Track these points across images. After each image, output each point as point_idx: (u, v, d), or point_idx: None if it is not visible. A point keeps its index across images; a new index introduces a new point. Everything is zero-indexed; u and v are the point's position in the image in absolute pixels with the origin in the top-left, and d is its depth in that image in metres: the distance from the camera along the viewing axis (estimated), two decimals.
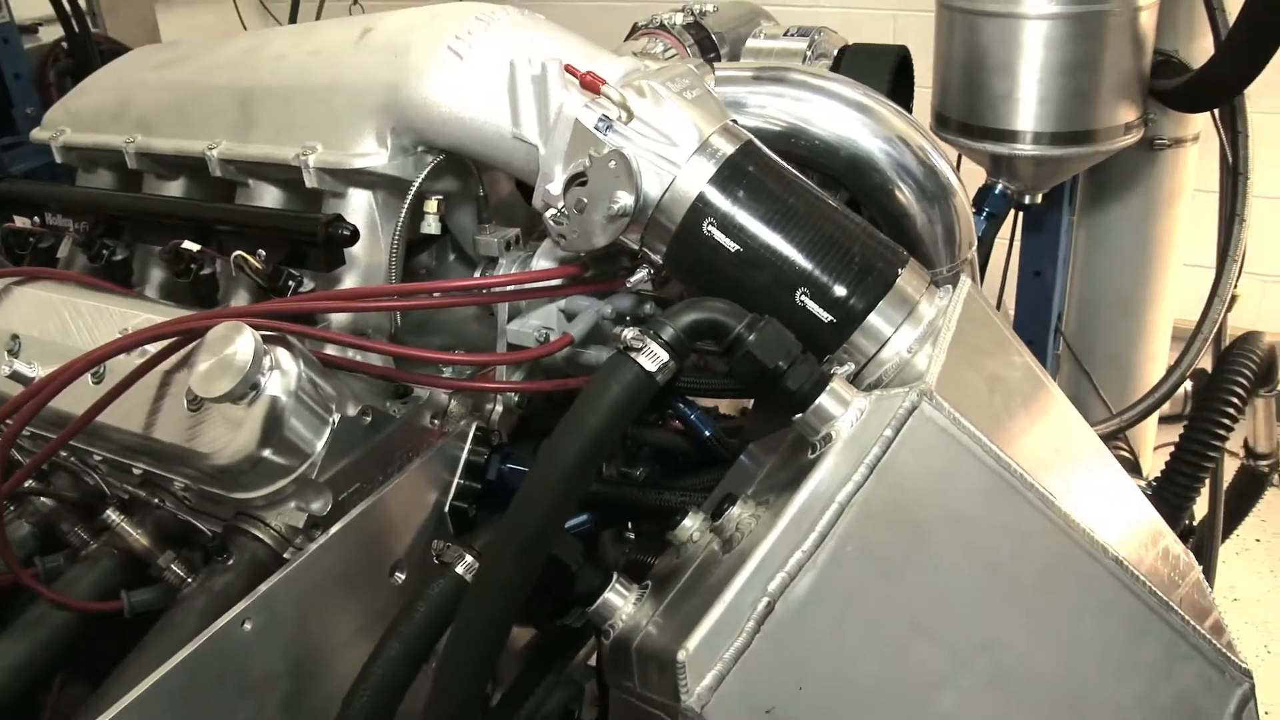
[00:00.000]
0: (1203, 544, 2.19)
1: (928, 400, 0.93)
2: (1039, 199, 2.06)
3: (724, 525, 0.99)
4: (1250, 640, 3.00)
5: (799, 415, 0.96)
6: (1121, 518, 1.09)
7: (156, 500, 1.21)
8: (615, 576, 1.09)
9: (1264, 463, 2.35)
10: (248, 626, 1.03)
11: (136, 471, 1.23)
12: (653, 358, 0.93)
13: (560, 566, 1.09)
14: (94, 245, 1.47)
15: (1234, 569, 3.24)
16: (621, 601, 1.07)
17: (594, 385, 0.95)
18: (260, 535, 1.14)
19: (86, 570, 1.19)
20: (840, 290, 1.07)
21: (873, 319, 1.07)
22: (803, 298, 1.07)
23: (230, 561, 1.12)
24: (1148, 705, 0.99)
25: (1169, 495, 1.84)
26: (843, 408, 0.95)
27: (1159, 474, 1.89)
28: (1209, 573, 2.21)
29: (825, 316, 1.06)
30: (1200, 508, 2.12)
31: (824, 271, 1.07)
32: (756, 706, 0.87)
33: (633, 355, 0.94)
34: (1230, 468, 2.25)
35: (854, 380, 1.06)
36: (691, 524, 1.06)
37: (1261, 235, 3.60)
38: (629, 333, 0.94)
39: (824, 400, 0.96)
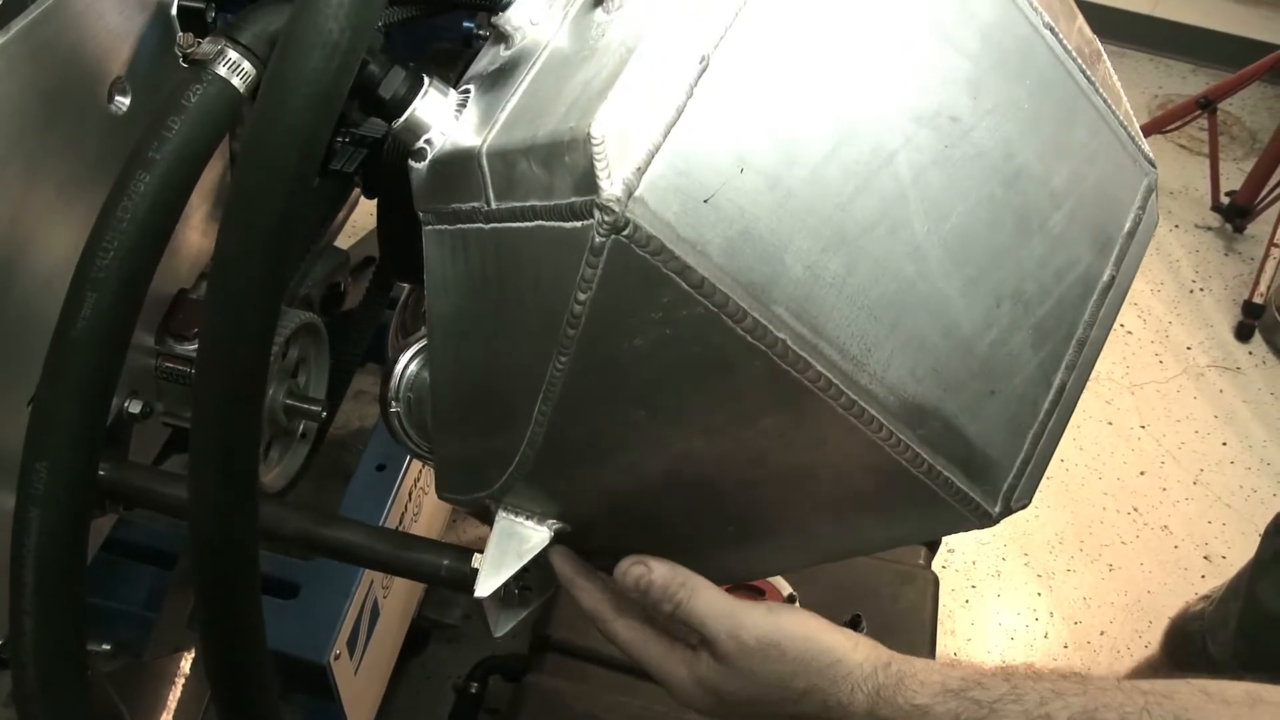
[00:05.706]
0: None
1: None
2: None
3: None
4: None
5: None
6: None
7: None
8: (430, 76, 0.82)
9: None
10: None
11: None
12: None
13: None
14: None
15: None
16: (442, 106, 0.81)
17: None
18: None
19: None
20: None
21: None
22: None
23: None
24: (1075, 195, 0.87)
25: None
26: None
27: None
28: None
29: None
30: None
31: None
32: (691, 194, 0.66)
33: None
34: None
35: None
36: (530, 5, 0.81)
37: None
38: None
39: None
